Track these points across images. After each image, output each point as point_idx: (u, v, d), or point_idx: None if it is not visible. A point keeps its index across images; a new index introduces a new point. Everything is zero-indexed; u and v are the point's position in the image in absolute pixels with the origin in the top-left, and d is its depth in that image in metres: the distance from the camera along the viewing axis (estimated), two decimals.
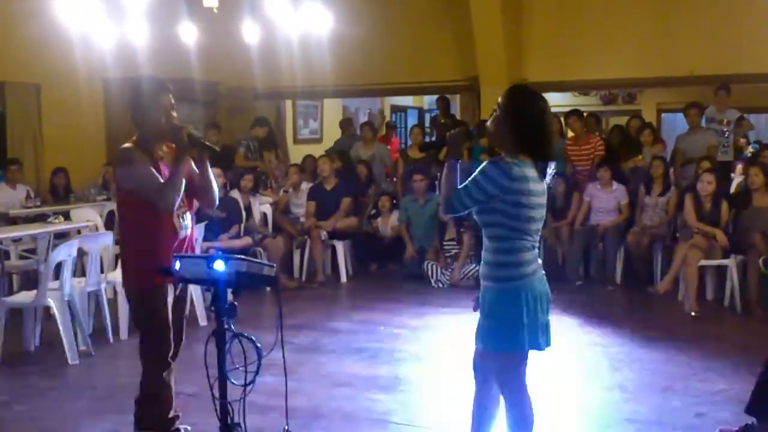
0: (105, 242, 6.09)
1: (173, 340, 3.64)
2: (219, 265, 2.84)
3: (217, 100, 11.13)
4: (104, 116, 9.82)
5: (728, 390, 4.65)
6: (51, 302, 5.42)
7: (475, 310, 3.09)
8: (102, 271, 6.07)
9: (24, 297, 5.66)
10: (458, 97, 11.29)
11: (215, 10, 7.24)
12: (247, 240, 7.71)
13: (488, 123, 3.10)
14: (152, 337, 3.60)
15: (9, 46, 8.63)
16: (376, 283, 8.45)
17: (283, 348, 3.01)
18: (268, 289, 6.89)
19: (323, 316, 6.90)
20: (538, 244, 3.04)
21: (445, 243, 8.09)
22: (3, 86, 8.85)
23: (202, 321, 6.40)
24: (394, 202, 8.95)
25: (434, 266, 7.96)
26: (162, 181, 3.45)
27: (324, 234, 8.31)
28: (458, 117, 10.95)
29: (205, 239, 7.01)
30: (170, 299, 3.58)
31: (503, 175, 2.88)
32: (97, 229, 7.49)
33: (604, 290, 7.65)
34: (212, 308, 2.97)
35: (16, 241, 7.29)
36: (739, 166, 8.46)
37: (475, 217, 3.03)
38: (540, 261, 3.05)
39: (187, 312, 3.89)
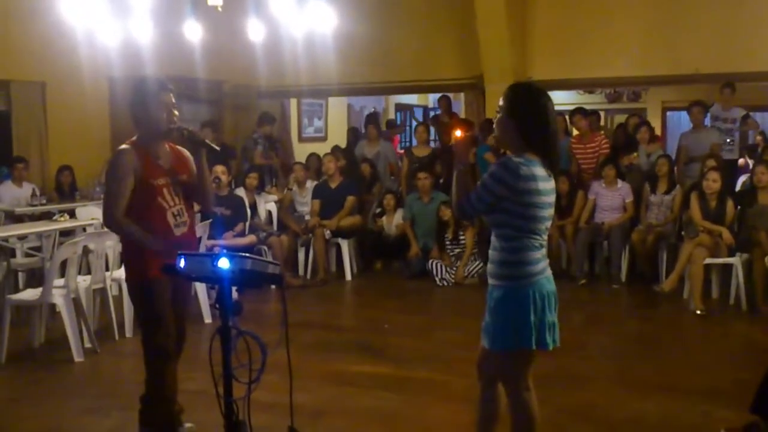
0: (110, 240, 6.10)
1: (176, 334, 3.66)
2: (224, 263, 2.83)
3: (222, 99, 11.12)
4: (109, 114, 9.82)
5: (733, 388, 4.64)
6: (56, 300, 5.44)
7: None
8: (107, 269, 6.08)
9: (29, 294, 5.67)
10: (463, 95, 11.28)
11: (220, 9, 7.25)
12: (251, 238, 7.72)
13: (494, 126, 3.10)
14: (150, 329, 3.64)
15: (14, 45, 8.66)
16: (380, 281, 8.45)
17: (287, 346, 3.01)
18: (273, 287, 6.89)
19: (328, 314, 6.90)
20: (546, 243, 3.04)
21: (447, 245, 8.09)
22: (8, 85, 8.87)
23: (207, 319, 6.42)
24: (399, 200, 8.95)
25: (439, 264, 7.96)
26: (120, 197, 3.55)
27: (328, 232, 8.32)
28: (463, 115, 10.95)
29: (209, 237, 7.03)
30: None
31: (511, 175, 2.88)
32: (102, 226, 7.49)
33: (609, 288, 7.63)
34: (217, 306, 2.97)
35: (22, 238, 7.32)
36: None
37: (484, 216, 3.03)
38: (547, 260, 3.05)
39: (190, 309, 3.91)
